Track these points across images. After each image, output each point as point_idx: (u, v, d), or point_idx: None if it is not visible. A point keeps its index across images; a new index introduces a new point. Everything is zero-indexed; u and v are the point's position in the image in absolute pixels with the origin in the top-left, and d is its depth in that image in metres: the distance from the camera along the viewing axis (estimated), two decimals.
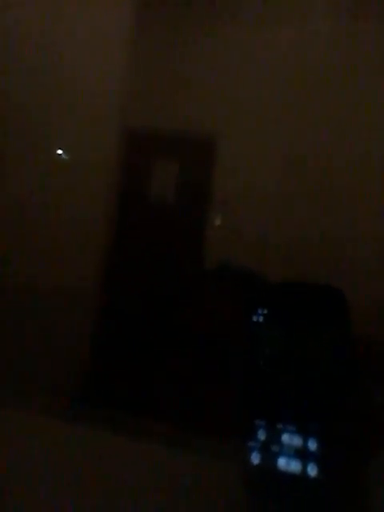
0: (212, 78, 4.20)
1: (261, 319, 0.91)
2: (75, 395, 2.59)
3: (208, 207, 4.02)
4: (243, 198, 3.89)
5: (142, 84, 3.99)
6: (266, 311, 0.91)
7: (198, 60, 4.28)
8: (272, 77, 3.99)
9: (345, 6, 3.62)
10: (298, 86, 3.89)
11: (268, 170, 3.83)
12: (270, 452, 0.85)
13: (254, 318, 0.92)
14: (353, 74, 3.73)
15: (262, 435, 0.86)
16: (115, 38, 3.10)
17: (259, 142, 3.95)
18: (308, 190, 3.76)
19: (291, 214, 3.75)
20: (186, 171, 4.16)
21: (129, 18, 3.20)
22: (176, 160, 4.21)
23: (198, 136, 4.16)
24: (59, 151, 2.77)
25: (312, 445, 0.86)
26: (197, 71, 4.25)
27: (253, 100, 4.02)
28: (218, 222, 3.96)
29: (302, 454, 0.85)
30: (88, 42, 2.78)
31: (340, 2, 3.63)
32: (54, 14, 2.46)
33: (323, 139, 3.77)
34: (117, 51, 3.11)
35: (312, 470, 0.84)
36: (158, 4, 3.96)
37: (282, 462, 0.85)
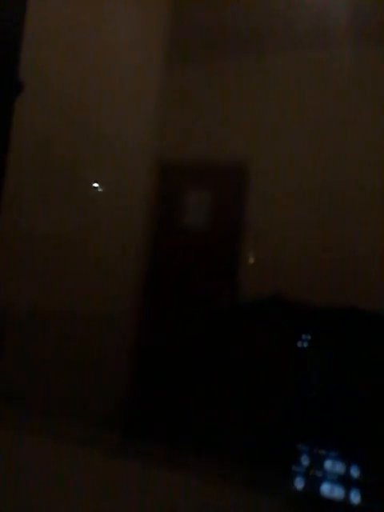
0: (242, 107, 4.27)
1: (306, 345, 0.93)
2: (115, 426, 2.60)
3: (241, 234, 4.05)
4: (275, 225, 3.90)
5: (173, 115, 4.08)
6: (310, 337, 0.93)
7: (228, 89, 4.36)
8: (302, 104, 4.03)
9: (376, 32, 3.65)
10: (329, 113, 3.92)
11: (300, 197, 3.85)
12: (313, 478, 0.86)
13: (299, 344, 0.93)
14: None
15: (305, 461, 0.87)
16: (147, 68, 3.20)
17: (291, 169, 3.98)
18: (342, 216, 3.75)
19: (325, 240, 3.74)
20: (219, 200, 4.21)
21: (160, 51, 3.29)
22: (208, 189, 4.27)
23: (229, 165, 4.22)
24: (95, 184, 2.85)
25: (354, 472, 0.86)
26: (227, 101, 4.33)
27: (283, 128, 4.07)
28: (251, 260, 3.99)
29: (345, 481, 0.85)
30: (120, 76, 2.87)
31: (372, 29, 3.67)
32: (85, 48, 2.55)
33: (356, 165, 3.78)
34: (149, 82, 3.20)
35: (355, 497, 0.84)
36: (188, 36, 4.06)
37: (325, 488, 0.85)
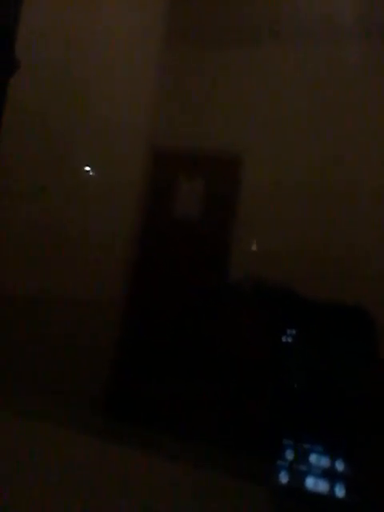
0: (238, 96, 4.24)
1: (290, 340, 0.93)
2: (97, 409, 2.60)
3: (233, 224, 4.03)
4: (268, 215, 3.89)
5: (168, 102, 4.04)
6: (294, 332, 0.93)
7: (224, 78, 4.32)
8: (299, 96, 4.01)
9: (376, 27, 3.63)
10: (326, 106, 3.90)
11: (293, 188, 3.84)
12: (298, 472, 0.86)
13: (284, 339, 0.93)
14: (381, 94, 3.73)
15: (289, 455, 0.87)
16: (143, 56, 3.16)
17: (285, 159, 3.96)
18: (334, 208, 3.75)
19: (317, 232, 3.74)
20: (212, 188, 4.19)
21: (157, 37, 3.26)
22: (202, 177, 4.25)
23: (223, 154, 4.19)
24: (87, 168, 2.82)
25: (339, 465, 0.86)
26: (223, 89, 4.30)
27: (279, 118, 4.04)
28: (254, 247, 3.96)
29: (329, 475, 0.85)
30: (116, 60, 2.84)
31: (371, 23, 3.64)
32: (83, 33, 2.52)
33: (349, 158, 3.76)
34: (144, 70, 3.17)
35: (340, 491, 0.84)
36: (185, 23, 4.02)
37: (309, 482, 0.85)
